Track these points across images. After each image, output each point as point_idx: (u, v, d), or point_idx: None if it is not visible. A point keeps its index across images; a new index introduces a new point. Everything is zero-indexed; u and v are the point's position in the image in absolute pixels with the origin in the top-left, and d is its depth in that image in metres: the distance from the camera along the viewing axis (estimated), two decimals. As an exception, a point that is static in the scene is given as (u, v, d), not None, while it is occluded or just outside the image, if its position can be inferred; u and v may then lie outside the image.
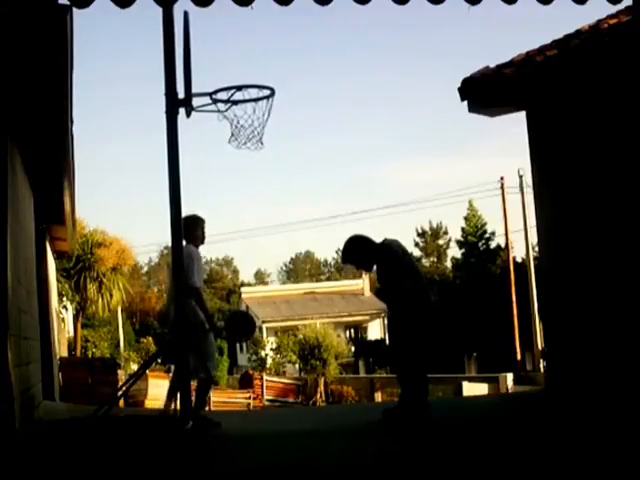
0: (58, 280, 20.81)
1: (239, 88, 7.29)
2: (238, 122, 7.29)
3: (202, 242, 8.31)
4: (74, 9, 6.13)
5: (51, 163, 9.50)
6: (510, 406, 10.25)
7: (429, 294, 7.75)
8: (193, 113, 7.30)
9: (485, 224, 48.97)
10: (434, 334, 7.78)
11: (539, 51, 9.11)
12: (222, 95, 7.28)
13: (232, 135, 7.35)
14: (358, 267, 8.17)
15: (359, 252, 7.85)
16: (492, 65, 9.41)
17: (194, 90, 7.17)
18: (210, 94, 7.30)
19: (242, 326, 8.67)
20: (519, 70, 9.08)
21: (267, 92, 7.28)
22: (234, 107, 7.29)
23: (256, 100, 7.24)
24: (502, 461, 5.47)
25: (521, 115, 9.67)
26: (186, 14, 7.04)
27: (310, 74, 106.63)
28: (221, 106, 7.31)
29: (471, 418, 8.36)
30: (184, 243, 7.95)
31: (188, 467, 5.71)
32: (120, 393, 10.23)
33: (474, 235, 48.61)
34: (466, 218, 49.12)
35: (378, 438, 6.94)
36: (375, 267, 7.92)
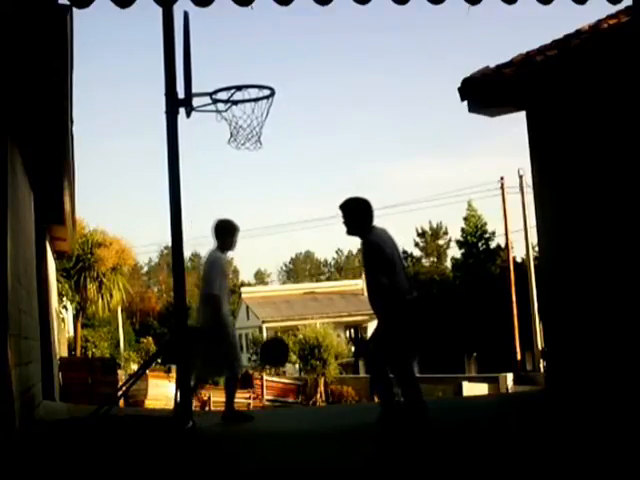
0: (58, 280, 20.80)
1: (239, 88, 7.30)
2: (237, 123, 7.30)
3: (231, 249, 8.60)
4: (74, 9, 6.13)
5: (51, 163, 9.50)
6: (510, 406, 10.24)
7: (408, 290, 7.65)
8: (193, 113, 7.30)
9: (485, 224, 48.93)
10: (415, 332, 7.68)
11: (539, 51, 9.11)
12: (222, 95, 7.29)
13: (231, 136, 7.36)
14: (343, 222, 7.93)
15: (353, 214, 7.66)
16: (492, 65, 9.41)
17: (194, 90, 7.18)
18: (210, 94, 7.30)
19: (277, 354, 9.29)
20: (519, 70, 9.08)
21: (267, 92, 7.29)
22: (233, 108, 7.30)
23: (256, 100, 7.25)
24: (501, 462, 5.47)
25: (521, 115, 9.66)
26: (186, 14, 7.05)
27: (310, 74, 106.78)
28: (221, 106, 7.32)
29: (470, 418, 8.36)
30: (213, 247, 8.46)
31: (187, 467, 5.71)
32: (120, 393, 10.24)
33: (474, 235, 48.57)
34: (465, 218, 49.07)
35: (378, 439, 6.94)
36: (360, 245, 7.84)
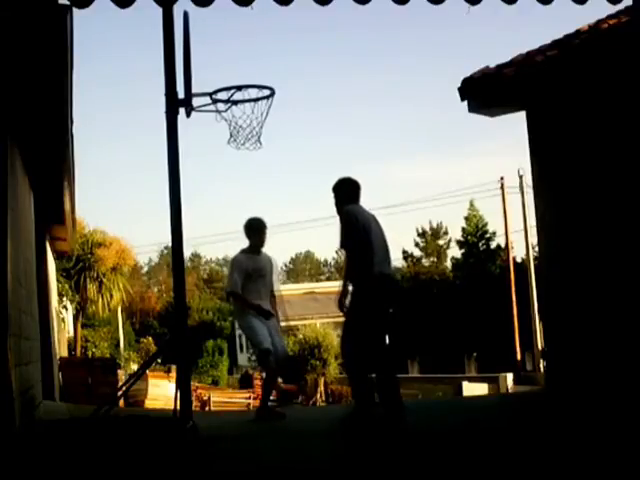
0: (58, 280, 20.78)
1: (239, 88, 7.31)
2: (236, 123, 7.31)
3: (261, 246, 8.92)
4: (74, 9, 6.13)
5: (51, 163, 9.50)
6: (508, 406, 10.24)
7: (384, 268, 7.66)
8: (193, 113, 7.30)
9: (486, 224, 48.88)
10: (381, 310, 7.65)
11: (539, 51, 9.11)
12: (222, 95, 7.30)
13: (231, 136, 7.37)
14: (334, 202, 8.04)
15: (340, 192, 7.82)
16: (492, 65, 9.41)
17: (194, 90, 7.18)
18: (210, 94, 7.31)
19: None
20: (519, 70, 9.08)
21: (266, 92, 7.30)
22: (233, 108, 7.31)
23: (256, 100, 7.26)
24: (500, 462, 5.47)
25: (522, 115, 9.66)
26: (186, 14, 7.05)
27: (310, 74, 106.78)
28: (221, 106, 7.33)
29: (470, 418, 8.36)
30: (245, 245, 8.89)
31: (187, 467, 5.71)
32: (120, 393, 10.23)
33: (474, 235, 48.53)
34: (467, 218, 49.02)
35: (377, 438, 6.94)
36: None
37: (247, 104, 7.31)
